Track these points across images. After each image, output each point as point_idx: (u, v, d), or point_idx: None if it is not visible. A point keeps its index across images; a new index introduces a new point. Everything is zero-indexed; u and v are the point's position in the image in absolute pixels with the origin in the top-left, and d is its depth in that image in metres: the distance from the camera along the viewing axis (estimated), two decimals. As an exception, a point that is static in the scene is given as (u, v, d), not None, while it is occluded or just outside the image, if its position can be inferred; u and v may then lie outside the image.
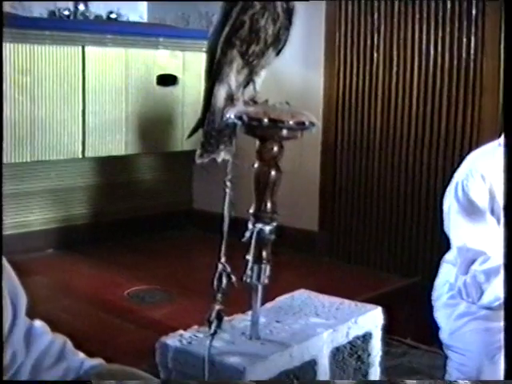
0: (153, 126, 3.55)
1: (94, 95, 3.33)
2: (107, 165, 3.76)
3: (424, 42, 3.15)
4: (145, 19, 4.33)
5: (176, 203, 4.11)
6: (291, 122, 1.36)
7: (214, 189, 3.70)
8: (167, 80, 3.57)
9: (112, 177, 3.84)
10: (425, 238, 3.21)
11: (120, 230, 3.83)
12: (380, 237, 3.39)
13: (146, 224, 3.93)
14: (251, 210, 1.40)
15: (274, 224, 1.38)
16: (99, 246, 3.65)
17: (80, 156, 3.35)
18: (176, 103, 3.61)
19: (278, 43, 1.51)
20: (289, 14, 1.51)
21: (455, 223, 2.01)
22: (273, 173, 1.38)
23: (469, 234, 1.96)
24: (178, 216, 4.10)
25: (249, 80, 1.55)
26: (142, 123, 3.51)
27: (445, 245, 2.17)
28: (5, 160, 3.12)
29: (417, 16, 3.16)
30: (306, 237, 3.56)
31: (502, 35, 2.79)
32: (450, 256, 2.14)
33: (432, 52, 3.13)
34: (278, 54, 1.53)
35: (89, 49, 3.29)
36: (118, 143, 3.44)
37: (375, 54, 3.31)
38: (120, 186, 3.88)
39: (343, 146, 3.45)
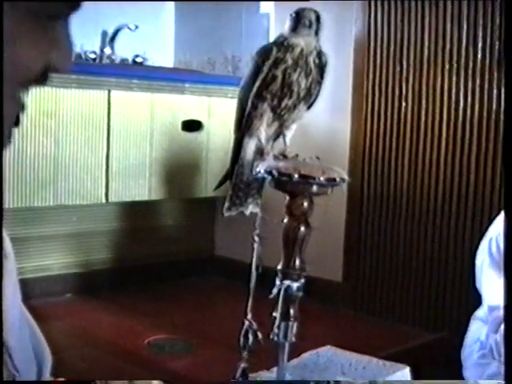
0: (177, 172, 3.58)
1: (118, 140, 3.36)
2: (129, 209, 3.79)
3: (454, 92, 3.15)
4: (171, 63, 4.39)
5: (198, 249, 4.12)
6: (322, 179, 1.36)
7: (237, 236, 3.74)
8: (192, 126, 3.60)
9: (134, 222, 3.86)
10: (452, 291, 3.19)
11: (141, 275, 3.84)
12: (405, 290, 3.37)
13: (168, 270, 3.94)
14: (279, 267, 1.40)
15: (302, 281, 1.39)
16: (119, 291, 3.66)
17: (103, 201, 3.37)
18: (200, 149, 3.64)
19: (309, 97, 1.53)
20: (321, 68, 1.53)
21: (487, 279, 2.01)
22: (302, 229, 1.38)
23: (501, 290, 1.94)
24: (200, 262, 4.10)
25: (279, 133, 1.57)
26: (165, 169, 3.53)
27: (475, 300, 2.16)
28: (27, 203, 3.15)
29: (446, 66, 3.17)
30: (330, 288, 3.54)
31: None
32: (480, 313, 2.13)
33: (462, 103, 3.13)
34: (309, 107, 1.55)
35: (114, 93, 3.33)
36: (141, 188, 3.46)
37: (403, 104, 3.32)
38: (142, 231, 3.90)
39: (369, 197, 3.44)
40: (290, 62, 1.48)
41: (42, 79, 0.72)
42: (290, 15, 1.66)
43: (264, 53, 1.52)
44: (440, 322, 3.23)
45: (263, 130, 1.52)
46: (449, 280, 3.21)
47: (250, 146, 1.54)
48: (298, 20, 1.62)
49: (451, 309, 3.18)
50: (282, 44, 1.55)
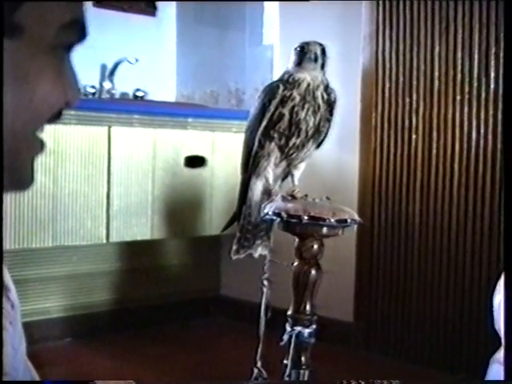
0: (180, 210, 3.58)
1: (119, 177, 3.37)
2: (131, 249, 3.79)
3: (466, 123, 3.16)
4: (173, 96, 4.42)
5: (203, 289, 4.11)
6: (332, 220, 1.37)
7: (243, 275, 3.73)
8: (195, 161, 3.60)
9: (136, 262, 3.86)
10: (469, 331, 3.17)
11: (144, 317, 3.83)
12: (420, 329, 3.35)
13: (171, 311, 3.93)
14: (289, 312, 1.40)
15: (314, 327, 1.39)
16: (121, 334, 3.65)
17: (104, 241, 3.37)
18: (204, 186, 3.64)
19: (318, 135, 1.54)
20: (330, 105, 1.54)
21: (505, 321, 1.99)
22: (313, 272, 1.39)
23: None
24: (205, 303, 4.09)
25: (287, 173, 1.58)
26: (168, 206, 3.53)
27: (493, 340, 2.14)
28: (25, 245, 3.15)
29: (458, 97, 3.18)
30: (340, 328, 3.53)
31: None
32: (499, 355, 2.11)
33: (474, 134, 3.13)
34: (318, 146, 1.55)
35: (115, 129, 3.34)
36: (143, 227, 3.46)
37: (414, 136, 3.32)
38: (144, 271, 3.89)
39: (380, 233, 3.44)
40: (297, 99, 1.49)
41: (57, 116, 0.73)
42: (295, 49, 1.67)
43: (270, 91, 1.53)
44: (457, 362, 3.21)
45: (270, 170, 1.52)
46: (465, 319, 3.19)
47: (258, 187, 1.55)
48: (303, 54, 1.64)
49: (468, 349, 3.16)
50: (287, 81, 1.56)
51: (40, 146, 0.73)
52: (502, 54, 3.03)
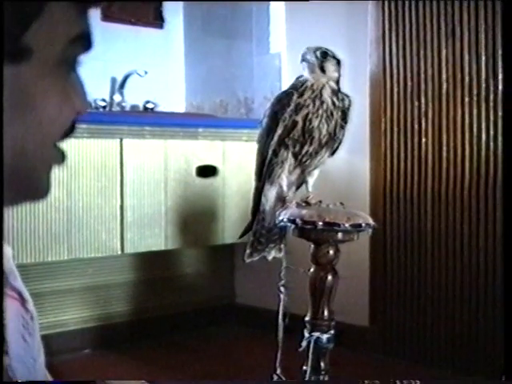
0: (193, 219, 3.58)
1: (132, 189, 3.37)
2: (145, 260, 3.79)
3: (475, 125, 3.15)
4: (182, 107, 4.42)
5: (218, 298, 4.11)
6: (347, 225, 1.36)
7: (257, 282, 3.72)
8: (207, 171, 3.61)
9: (150, 272, 3.86)
10: (485, 334, 3.15)
11: (160, 327, 3.83)
12: (435, 332, 3.34)
13: (187, 320, 3.93)
14: (307, 318, 1.39)
15: (332, 332, 1.38)
16: (138, 344, 3.65)
17: (119, 252, 3.37)
18: (216, 195, 3.64)
19: (332, 142, 1.54)
20: (343, 112, 1.54)
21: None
22: (329, 278, 1.38)
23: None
24: (220, 311, 4.09)
25: (301, 180, 1.58)
26: (181, 216, 3.54)
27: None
28: (41, 259, 3.16)
29: (466, 99, 3.17)
30: (357, 333, 3.51)
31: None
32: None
33: (484, 136, 3.12)
34: (333, 153, 1.55)
35: (127, 141, 3.35)
36: (157, 238, 3.46)
37: (423, 140, 3.31)
38: (159, 281, 3.90)
39: (392, 237, 3.43)
40: (311, 106, 1.49)
41: (71, 129, 0.72)
42: (301, 56, 1.68)
43: (284, 98, 1.53)
44: (474, 364, 3.19)
45: (285, 177, 1.52)
46: (480, 322, 3.17)
47: (272, 194, 1.55)
48: (302, 60, 1.65)
49: (484, 352, 3.14)
50: (297, 87, 1.56)
51: (59, 157, 0.73)
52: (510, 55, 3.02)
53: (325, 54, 1.67)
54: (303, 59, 1.69)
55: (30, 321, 0.86)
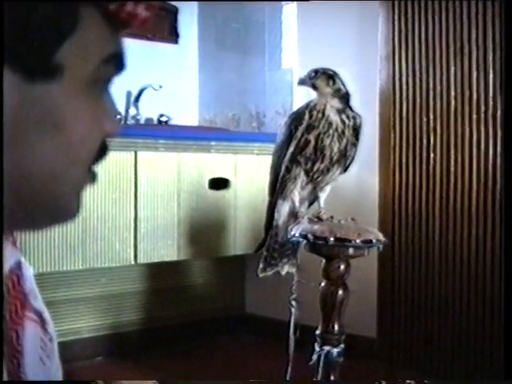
0: (205, 231, 3.59)
1: (145, 201, 3.38)
2: (158, 270, 3.81)
3: (482, 142, 3.15)
4: (195, 120, 4.44)
5: (228, 308, 4.12)
6: (358, 241, 1.37)
7: (268, 293, 3.72)
8: (219, 184, 3.62)
9: (163, 282, 3.88)
10: (491, 347, 3.14)
11: (172, 336, 3.84)
12: (442, 343, 3.33)
13: (199, 330, 3.93)
14: (318, 331, 1.40)
15: (342, 346, 1.39)
16: (151, 353, 3.66)
17: (132, 262, 3.39)
18: (228, 207, 3.65)
19: (344, 160, 1.55)
20: (355, 130, 1.55)
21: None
22: (340, 292, 1.39)
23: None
24: (231, 321, 4.10)
25: (313, 195, 1.59)
26: (194, 228, 3.55)
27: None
28: (56, 268, 3.17)
29: (474, 116, 3.17)
30: (364, 345, 3.51)
31: None
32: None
33: (491, 152, 3.12)
34: (345, 170, 1.56)
35: (141, 154, 3.36)
36: (170, 249, 3.47)
37: (432, 155, 3.31)
38: (171, 291, 3.91)
39: (401, 250, 3.42)
40: (322, 125, 1.50)
41: (103, 149, 0.71)
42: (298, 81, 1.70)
43: (297, 117, 1.54)
44: (481, 377, 3.18)
45: (297, 192, 1.53)
46: (487, 335, 3.16)
47: (284, 209, 1.56)
48: (302, 83, 1.67)
49: (491, 365, 3.13)
50: (307, 107, 1.58)
51: (90, 177, 0.72)
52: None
53: (314, 72, 1.68)
54: (299, 83, 1.71)
55: (49, 342, 0.84)
